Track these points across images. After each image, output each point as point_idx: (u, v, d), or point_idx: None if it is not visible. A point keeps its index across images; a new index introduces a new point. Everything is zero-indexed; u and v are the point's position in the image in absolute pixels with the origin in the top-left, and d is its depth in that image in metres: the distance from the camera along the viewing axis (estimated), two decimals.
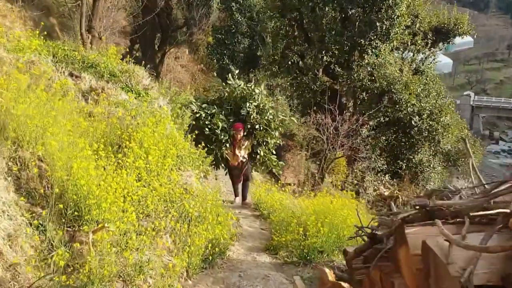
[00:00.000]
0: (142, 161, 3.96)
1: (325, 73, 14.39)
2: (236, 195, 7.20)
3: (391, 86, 12.26)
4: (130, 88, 5.87)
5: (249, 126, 6.96)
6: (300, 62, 13.71)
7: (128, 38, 17.44)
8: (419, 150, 13.43)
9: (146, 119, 4.57)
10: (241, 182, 7.14)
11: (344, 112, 12.22)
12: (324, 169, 10.33)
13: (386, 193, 13.42)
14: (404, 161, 13.71)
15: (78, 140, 3.51)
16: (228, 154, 6.87)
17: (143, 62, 7.47)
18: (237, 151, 6.85)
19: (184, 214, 3.99)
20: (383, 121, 12.71)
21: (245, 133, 6.87)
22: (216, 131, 6.71)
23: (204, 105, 7.04)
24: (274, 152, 7.35)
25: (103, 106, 4.92)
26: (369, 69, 12.49)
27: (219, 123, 6.74)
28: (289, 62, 13.44)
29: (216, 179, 6.90)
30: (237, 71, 7.55)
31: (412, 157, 13.37)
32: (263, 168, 7.52)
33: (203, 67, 21.67)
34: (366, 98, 12.93)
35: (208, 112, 6.91)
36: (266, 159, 7.21)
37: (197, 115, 6.81)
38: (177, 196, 3.96)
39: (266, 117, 7.02)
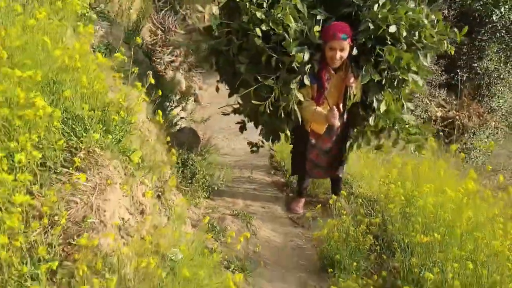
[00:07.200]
0: None
1: None
2: (301, 194, 3.42)
3: None
4: None
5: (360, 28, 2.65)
6: None
7: None
8: (485, 55, 10.13)
9: None
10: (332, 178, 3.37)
11: None
12: None
13: (439, 114, 10.45)
14: (465, 71, 10.47)
15: None
16: (307, 105, 2.76)
17: None
18: (331, 100, 2.77)
19: None
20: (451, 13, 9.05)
21: (353, 53, 2.66)
22: (286, 37, 2.54)
23: None
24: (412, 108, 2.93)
25: None
26: None
27: (292, 20, 2.55)
28: None
29: None
30: None
31: (476, 65, 10.10)
32: (374, 142, 3.06)
33: None
34: None
35: None
36: (395, 123, 2.86)
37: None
38: None
39: (410, 14, 2.63)
